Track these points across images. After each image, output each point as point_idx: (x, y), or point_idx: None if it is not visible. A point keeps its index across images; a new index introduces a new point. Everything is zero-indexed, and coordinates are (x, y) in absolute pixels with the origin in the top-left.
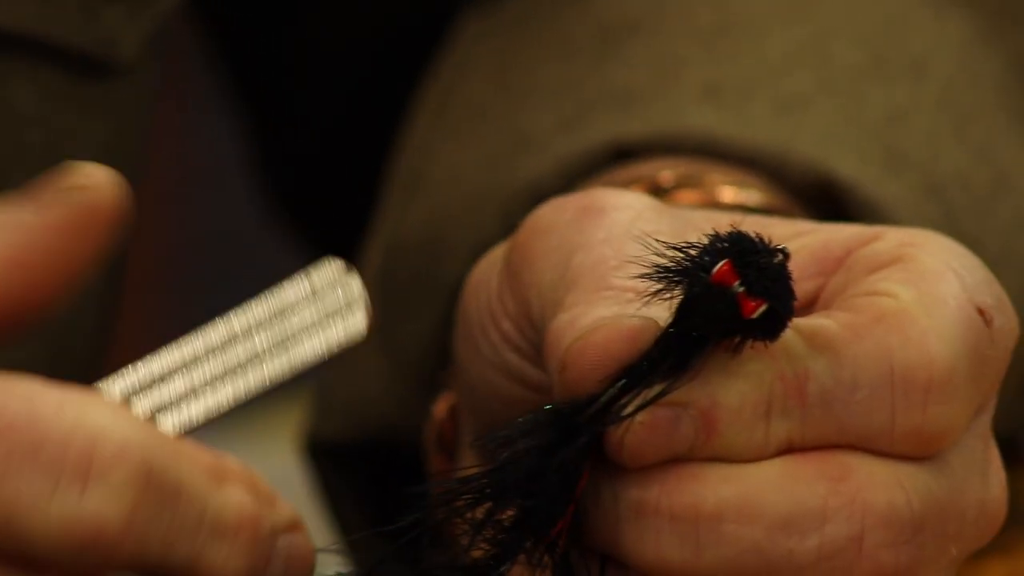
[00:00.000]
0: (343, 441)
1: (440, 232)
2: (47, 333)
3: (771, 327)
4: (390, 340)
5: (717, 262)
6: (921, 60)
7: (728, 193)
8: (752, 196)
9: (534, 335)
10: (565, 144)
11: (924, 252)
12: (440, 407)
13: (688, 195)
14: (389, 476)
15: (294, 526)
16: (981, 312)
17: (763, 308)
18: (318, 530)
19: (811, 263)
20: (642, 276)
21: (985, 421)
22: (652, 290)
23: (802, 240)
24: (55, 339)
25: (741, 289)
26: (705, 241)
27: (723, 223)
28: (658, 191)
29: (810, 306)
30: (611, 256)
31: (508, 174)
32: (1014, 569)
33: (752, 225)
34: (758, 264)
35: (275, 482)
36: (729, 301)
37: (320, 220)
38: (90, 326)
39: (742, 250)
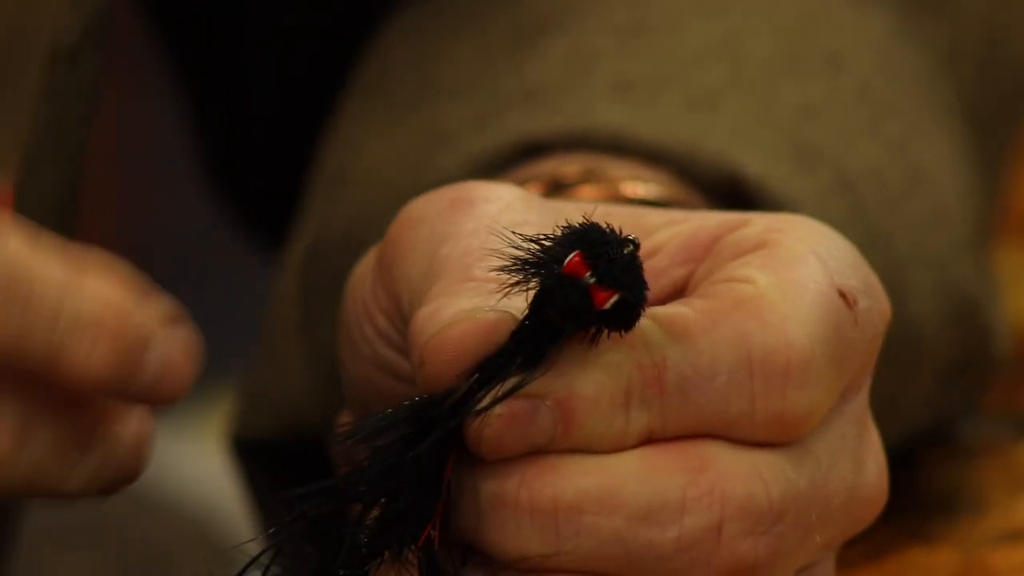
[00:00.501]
0: (268, 439)
1: (361, 231)
2: None
3: (625, 318)
4: (312, 339)
5: (568, 254)
6: (838, 55)
7: (630, 188)
8: (654, 190)
9: (406, 328)
10: (477, 142)
11: (788, 237)
12: (346, 414)
13: (590, 190)
14: (313, 474)
15: (171, 320)
16: (843, 295)
17: (615, 298)
18: (245, 527)
19: (681, 250)
20: (501, 268)
21: (858, 405)
22: (510, 282)
23: (674, 228)
24: None
25: (592, 280)
26: (559, 232)
27: (596, 213)
28: (560, 187)
29: (679, 294)
30: (477, 247)
31: (424, 172)
32: (966, 558)
33: (625, 214)
34: (609, 255)
35: (201, 480)
36: (581, 292)
37: (262, 209)
38: None
39: (593, 241)
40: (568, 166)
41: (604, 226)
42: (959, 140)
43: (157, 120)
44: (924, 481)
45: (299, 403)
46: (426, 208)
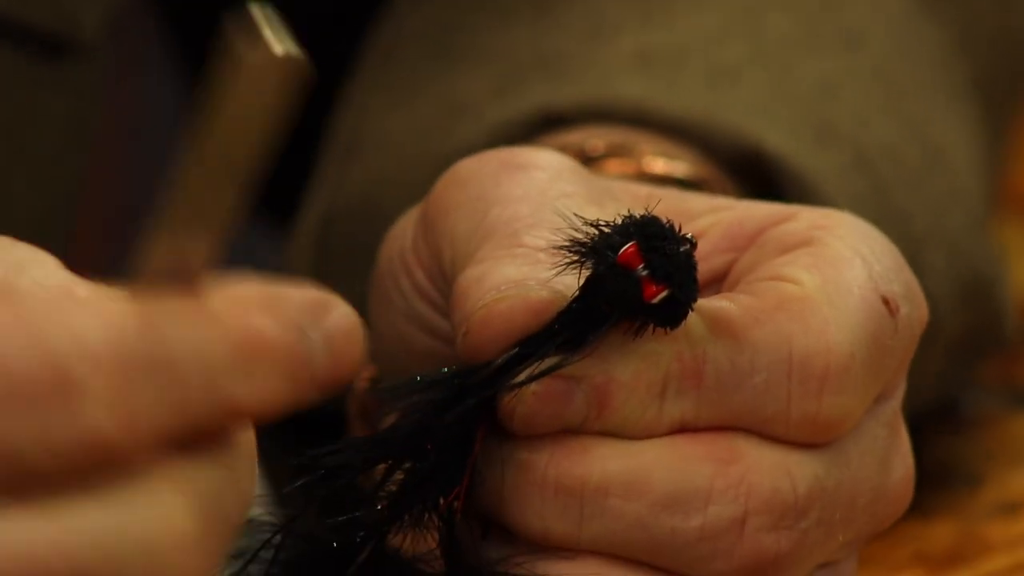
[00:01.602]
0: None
1: (376, 199)
2: None
3: (672, 314)
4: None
5: (625, 243)
6: (856, 33)
7: (656, 164)
8: (680, 167)
9: (445, 286)
10: (497, 111)
11: (834, 236)
12: (362, 377)
13: (616, 164)
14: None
15: (315, 305)
16: (886, 302)
17: (664, 294)
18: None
19: (724, 239)
20: (556, 246)
21: (891, 408)
22: (563, 261)
23: (718, 215)
24: None
25: (645, 273)
26: (619, 220)
27: (641, 194)
28: (586, 160)
29: (720, 281)
30: (527, 214)
31: (442, 141)
32: (962, 530)
33: (670, 199)
34: (664, 250)
35: None
36: (632, 283)
37: (272, 182)
38: None
39: (651, 234)
40: (593, 139)
41: (664, 221)
42: (973, 118)
43: (160, 101)
44: (921, 454)
45: None
46: (475, 168)
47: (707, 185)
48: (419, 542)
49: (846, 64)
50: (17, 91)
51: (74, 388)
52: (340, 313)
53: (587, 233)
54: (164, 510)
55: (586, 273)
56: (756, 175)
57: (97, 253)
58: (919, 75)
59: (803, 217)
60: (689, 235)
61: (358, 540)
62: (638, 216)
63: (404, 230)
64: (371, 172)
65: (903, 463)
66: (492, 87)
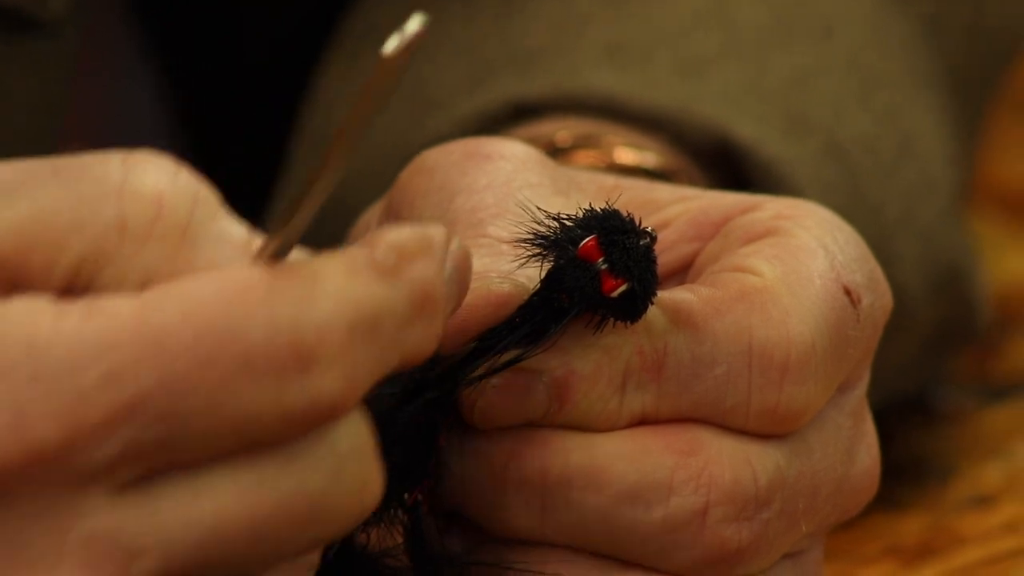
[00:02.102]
0: None
1: (345, 192)
2: None
3: (632, 308)
4: None
5: (586, 236)
6: (827, 23)
7: (625, 154)
8: (649, 158)
9: None
10: (467, 104)
11: (798, 226)
12: None
13: (585, 156)
14: None
15: (447, 244)
16: (848, 292)
17: (623, 288)
18: None
19: (690, 227)
20: (516, 240)
21: (855, 397)
22: (525, 253)
23: (685, 205)
24: None
25: (604, 266)
26: (580, 213)
27: (608, 184)
28: (556, 151)
29: (685, 270)
30: (491, 203)
31: (412, 134)
32: (934, 523)
33: (636, 189)
34: (624, 244)
35: None
36: (591, 276)
37: (235, 176)
38: None
39: (611, 228)
40: (563, 131)
41: (625, 215)
42: (945, 109)
43: (125, 97)
44: (893, 447)
45: None
46: (441, 158)
47: (676, 176)
48: (386, 537)
49: (818, 55)
50: None
51: (309, 357)
52: (456, 243)
53: (549, 226)
54: (367, 460)
55: (547, 266)
56: (727, 166)
57: None
58: (891, 66)
59: (769, 207)
60: (649, 229)
61: None
62: (599, 210)
63: (370, 220)
64: None
65: (868, 452)
66: (462, 80)
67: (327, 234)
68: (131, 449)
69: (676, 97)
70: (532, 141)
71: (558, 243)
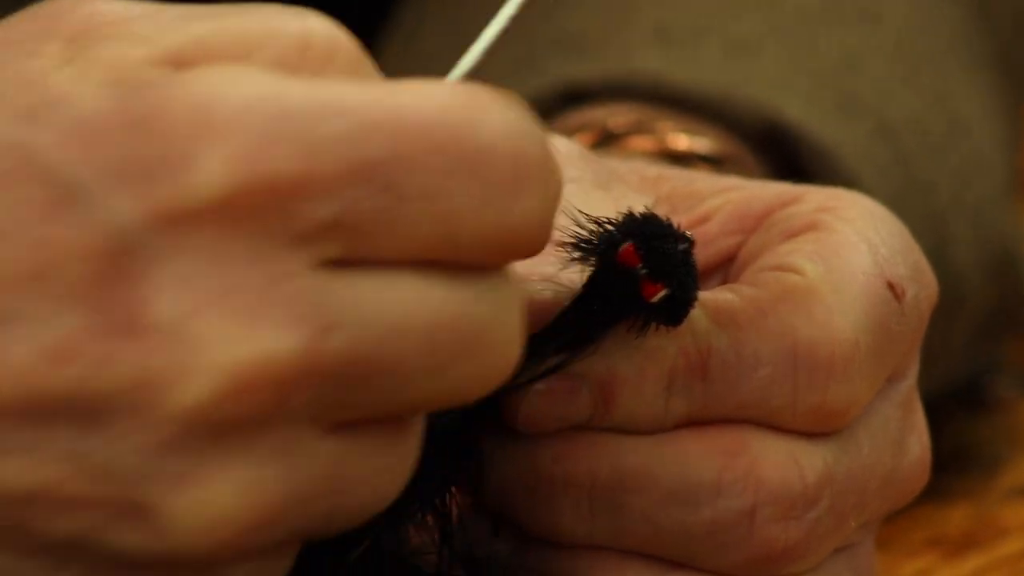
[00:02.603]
0: None
1: None
2: None
3: (674, 312)
4: None
5: (624, 242)
6: (875, 5)
7: (679, 140)
8: (702, 143)
9: None
10: (516, 88)
11: (840, 219)
12: None
13: (639, 141)
14: None
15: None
16: (892, 286)
17: (663, 293)
18: None
19: (732, 220)
20: (557, 244)
21: (905, 388)
22: (567, 256)
23: (726, 196)
24: None
25: (643, 272)
26: (619, 217)
27: (650, 176)
28: (609, 137)
29: (727, 264)
30: None
31: None
32: (978, 514)
33: (677, 181)
34: (663, 249)
35: None
36: (631, 283)
37: None
38: None
39: (649, 234)
40: (615, 117)
41: (663, 219)
42: (994, 92)
43: None
44: (938, 437)
45: None
46: None
47: (730, 161)
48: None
49: (866, 37)
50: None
51: (524, 177)
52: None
53: (589, 228)
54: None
55: (588, 270)
56: (778, 149)
57: None
58: (939, 49)
59: (810, 199)
60: (688, 233)
61: (357, 537)
62: (637, 214)
63: None
64: None
65: (919, 442)
66: (510, 65)
67: None
68: (348, 216)
69: (725, 79)
70: (587, 127)
71: (597, 248)
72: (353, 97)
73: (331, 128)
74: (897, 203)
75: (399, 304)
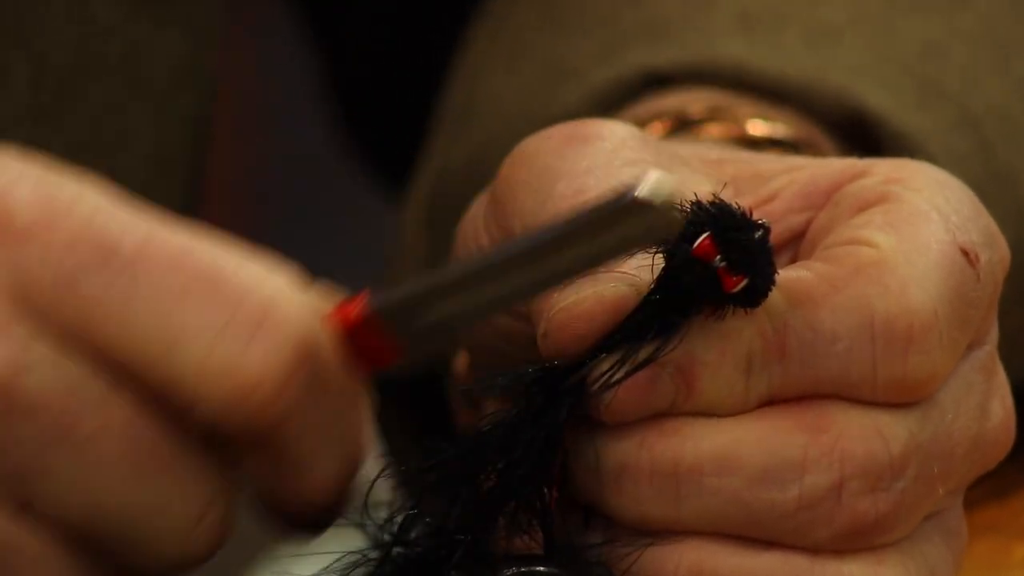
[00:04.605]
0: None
1: (482, 161)
2: None
3: (751, 298)
4: (436, 267)
5: (699, 234)
6: None
7: (756, 126)
8: (780, 129)
9: None
10: (600, 74)
11: (909, 189)
12: (460, 361)
13: (716, 128)
14: (439, 405)
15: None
16: (966, 253)
17: (743, 284)
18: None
19: (798, 197)
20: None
21: (985, 352)
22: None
23: (791, 176)
24: None
25: (722, 264)
26: (688, 207)
27: (712, 158)
28: (687, 123)
29: (797, 240)
30: (593, 187)
31: (547, 104)
32: None
33: (740, 163)
34: (739, 240)
35: None
36: (710, 276)
37: (387, 146)
38: None
39: (725, 225)
40: (694, 103)
41: (736, 208)
42: None
43: (283, 55)
44: None
45: None
46: (540, 144)
47: (806, 146)
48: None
49: (950, 23)
50: (135, 26)
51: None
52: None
53: None
54: None
55: (659, 260)
56: (859, 136)
57: (220, 204)
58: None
59: (877, 171)
60: (763, 220)
61: (454, 542)
62: (709, 204)
63: (477, 212)
64: (479, 135)
65: (1002, 405)
66: (596, 50)
67: (467, 202)
68: None
69: (807, 67)
70: (664, 114)
71: (671, 240)
72: None
73: None
74: (979, 191)
75: None
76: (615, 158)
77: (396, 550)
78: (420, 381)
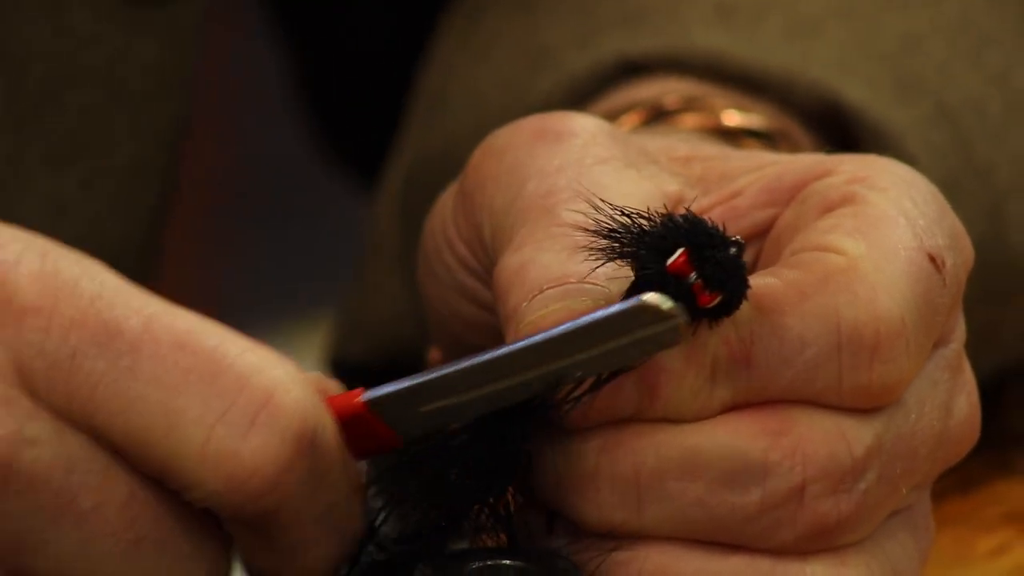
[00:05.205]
0: (367, 362)
1: (457, 150)
2: (96, 241)
3: (724, 311)
4: (410, 263)
5: (673, 248)
6: None
7: (732, 116)
8: (756, 120)
9: (487, 258)
10: (576, 61)
11: (875, 190)
12: (434, 353)
13: (692, 118)
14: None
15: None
16: (932, 259)
17: (718, 300)
18: None
19: (763, 193)
20: (592, 230)
21: (951, 351)
22: (601, 251)
23: (760, 172)
24: (103, 249)
25: (697, 280)
26: (659, 220)
27: (680, 155)
28: (662, 113)
29: (762, 236)
30: (564, 187)
31: (523, 92)
32: None
33: (709, 161)
34: (715, 258)
35: None
36: (685, 291)
37: (355, 139)
38: (138, 240)
39: (700, 242)
40: (670, 93)
41: (710, 224)
42: None
43: (253, 50)
44: (1013, 414)
45: (396, 327)
46: (510, 138)
47: (782, 137)
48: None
49: (929, 17)
50: (112, 33)
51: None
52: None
53: (626, 226)
54: None
55: (627, 265)
56: (837, 129)
57: (192, 205)
58: (1003, 24)
59: (843, 169)
60: (737, 237)
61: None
62: (681, 219)
63: (445, 204)
64: (453, 124)
65: (968, 401)
66: (571, 37)
67: (434, 188)
68: None
69: (786, 58)
70: (639, 104)
71: (643, 256)
72: None
73: None
74: (955, 186)
75: None
76: (586, 155)
77: (369, 548)
78: (388, 368)
